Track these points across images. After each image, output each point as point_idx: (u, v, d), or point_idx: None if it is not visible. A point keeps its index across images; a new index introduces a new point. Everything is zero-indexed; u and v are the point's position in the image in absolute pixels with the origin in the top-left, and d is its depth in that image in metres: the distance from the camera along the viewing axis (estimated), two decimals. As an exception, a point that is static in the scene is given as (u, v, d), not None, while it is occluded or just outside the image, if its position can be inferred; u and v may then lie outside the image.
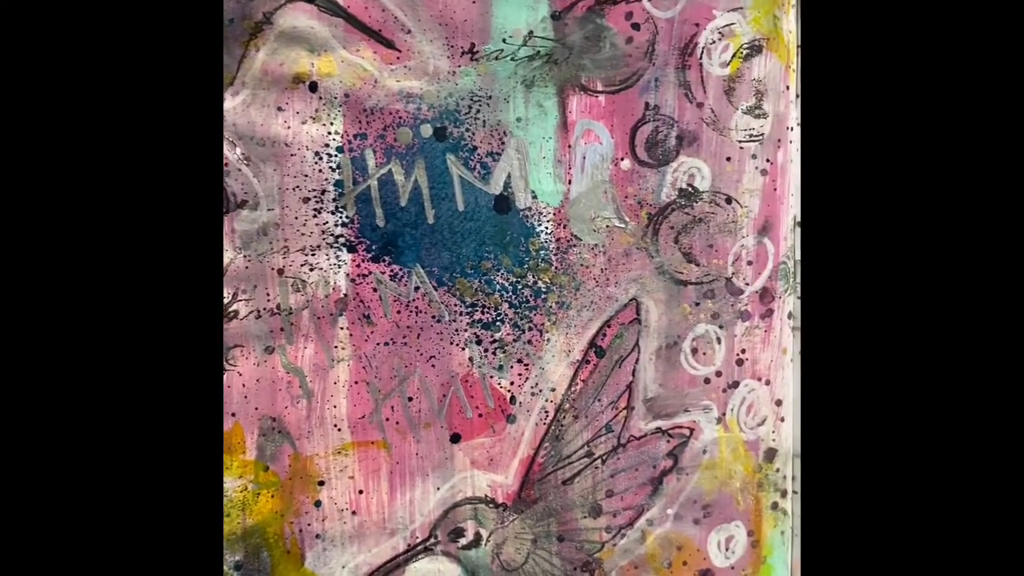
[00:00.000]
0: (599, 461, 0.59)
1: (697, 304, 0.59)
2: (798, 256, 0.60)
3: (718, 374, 0.59)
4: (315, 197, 0.54)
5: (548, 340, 0.58)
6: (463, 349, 0.57)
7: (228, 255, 0.53)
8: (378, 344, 0.56)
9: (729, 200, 0.58)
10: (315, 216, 0.54)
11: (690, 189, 0.58)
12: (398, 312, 0.56)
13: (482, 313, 0.57)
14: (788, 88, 0.58)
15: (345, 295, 0.55)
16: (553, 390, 0.58)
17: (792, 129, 0.58)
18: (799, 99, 0.58)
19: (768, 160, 0.58)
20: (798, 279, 0.60)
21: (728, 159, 0.58)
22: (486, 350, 0.57)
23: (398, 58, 0.54)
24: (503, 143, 0.56)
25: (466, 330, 0.57)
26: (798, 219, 0.60)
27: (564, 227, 0.57)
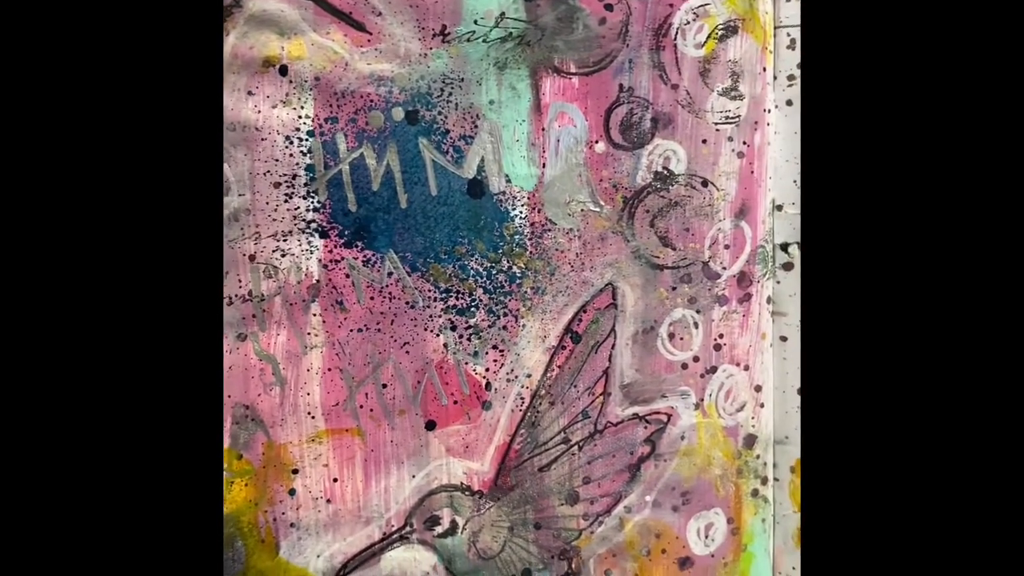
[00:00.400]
0: (576, 448, 0.58)
1: (674, 288, 0.58)
2: (778, 240, 0.59)
3: (696, 359, 0.59)
4: (286, 182, 0.54)
5: (523, 326, 0.57)
6: (437, 335, 0.56)
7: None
8: (351, 330, 0.55)
9: (705, 183, 0.57)
10: (286, 201, 0.54)
11: (666, 172, 0.57)
12: (371, 298, 0.55)
13: (456, 299, 0.56)
14: (765, 70, 0.57)
15: (317, 281, 0.55)
16: (529, 376, 0.57)
17: (769, 111, 0.58)
18: (800, 79, 0.58)
19: (745, 142, 0.57)
20: (778, 263, 0.59)
21: (704, 141, 0.57)
22: (461, 336, 0.56)
23: (369, 41, 0.53)
24: (476, 126, 0.55)
25: (440, 316, 0.56)
26: (777, 202, 0.59)
27: (539, 211, 0.56)
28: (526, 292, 0.57)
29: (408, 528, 0.57)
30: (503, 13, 0.54)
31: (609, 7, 0.55)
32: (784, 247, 0.59)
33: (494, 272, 0.56)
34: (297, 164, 0.54)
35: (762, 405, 0.60)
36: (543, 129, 0.56)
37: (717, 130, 0.57)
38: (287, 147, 0.53)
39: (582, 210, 0.57)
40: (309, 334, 0.55)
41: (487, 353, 0.57)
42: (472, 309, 0.56)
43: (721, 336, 0.59)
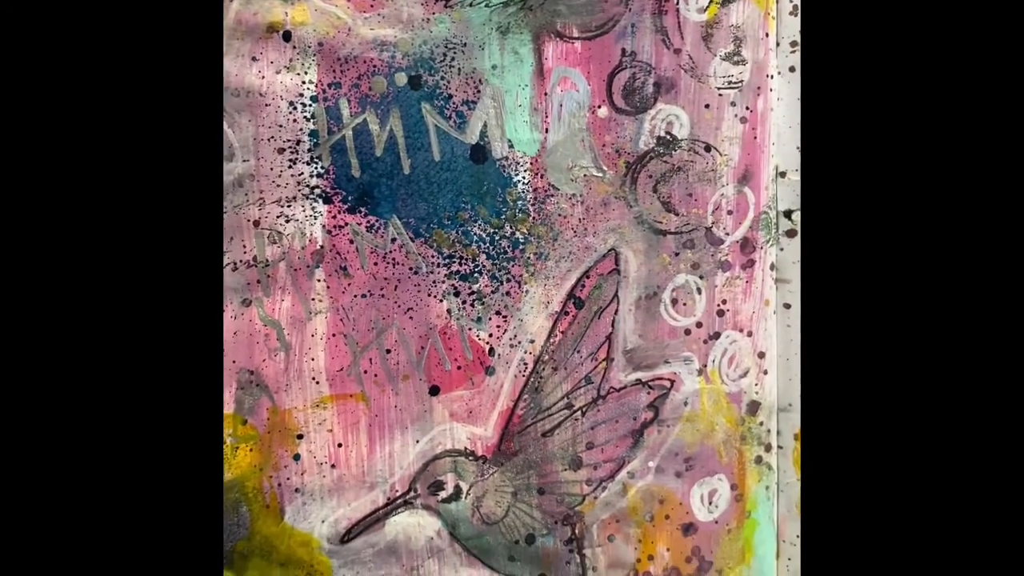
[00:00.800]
0: (579, 413, 0.58)
1: (677, 254, 0.58)
2: (782, 207, 0.59)
3: (699, 325, 0.59)
4: (290, 148, 0.54)
5: (526, 291, 0.57)
6: (441, 301, 0.56)
7: (202, 205, 0.53)
8: (355, 296, 0.56)
9: (708, 148, 0.57)
10: (290, 167, 0.54)
11: (668, 137, 0.57)
12: (375, 264, 0.56)
13: (460, 264, 0.56)
14: (767, 35, 0.57)
15: (321, 247, 0.55)
16: (532, 342, 0.58)
17: (772, 77, 0.58)
18: (799, 45, 0.57)
19: (748, 108, 0.57)
20: (781, 230, 0.59)
21: (707, 106, 0.57)
22: (464, 302, 0.57)
23: (372, 6, 0.54)
24: (479, 91, 0.55)
25: (444, 282, 0.56)
26: (780, 168, 0.59)
27: (541, 177, 0.56)
28: (529, 258, 0.57)
29: (412, 493, 0.57)
30: (505, -23, 0.54)
31: (611, -29, 0.55)
32: (787, 214, 0.59)
33: (497, 238, 0.56)
34: (301, 130, 0.54)
35: (765, 372, 0.60)
36: (546, 94, 0.56)
37: (720, 95, 0.57)
38: (291, 113, 0.54)
39: (585, 175, 0.57)
40: (313, 299, 0.55)
41: (490, 319, 0.57)
42: (475, 275, 0.57)
43: (724, 302, 0.59)
